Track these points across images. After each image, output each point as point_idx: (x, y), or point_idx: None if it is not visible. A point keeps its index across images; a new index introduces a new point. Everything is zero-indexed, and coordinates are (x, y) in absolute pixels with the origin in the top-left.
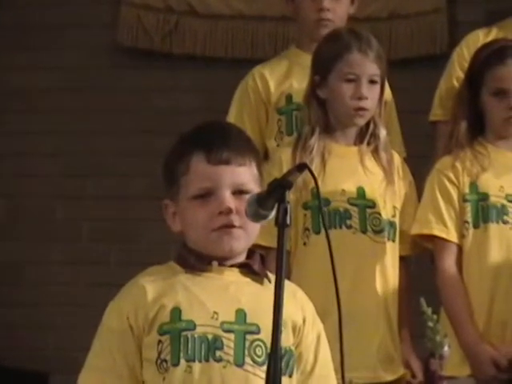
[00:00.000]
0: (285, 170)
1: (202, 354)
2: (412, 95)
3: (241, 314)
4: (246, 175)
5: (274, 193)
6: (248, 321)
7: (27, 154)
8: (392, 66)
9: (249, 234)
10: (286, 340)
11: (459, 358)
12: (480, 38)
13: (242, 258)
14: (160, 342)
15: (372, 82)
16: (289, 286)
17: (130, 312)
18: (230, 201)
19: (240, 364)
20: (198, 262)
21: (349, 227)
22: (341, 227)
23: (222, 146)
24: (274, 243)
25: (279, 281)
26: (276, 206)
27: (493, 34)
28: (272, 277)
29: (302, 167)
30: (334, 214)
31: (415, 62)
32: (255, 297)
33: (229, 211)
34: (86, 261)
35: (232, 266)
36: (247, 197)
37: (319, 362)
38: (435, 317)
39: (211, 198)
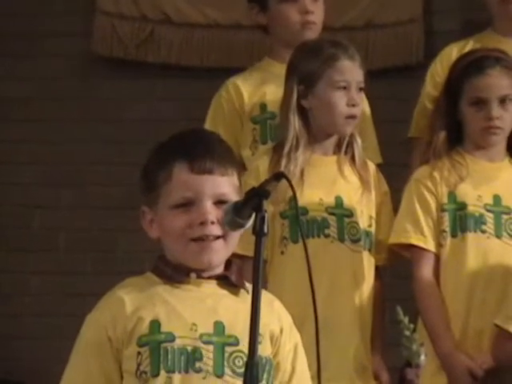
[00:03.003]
0: (262, 179)
1: (182, 365)
2: (388, 104)
3: (219, 326)
4: (227, 185)
5: (251, 201)
6: (226, 333)
7: (3, 163)
8: (368, 75)
9: (228, 244)
10: (265, 350)
11: (436, 367)
12: (454, 52)
13: (220, 269)
14: (139, 353)
15: (360, 89)
16: (266, 296)
17: (108, 324)
18: (211, 211)
19: (220, 375)
20: (175, 273)
21: (327, 236)
22: (319, 236)
23: (206, 156)
24: (250, 251)
25: (256, 289)
26: (253, 214)
27: (469, 46)
28: (250, 287)
29: (279, 176)
30: (311, 223)
31: (391, 71)
32: (233, 309)
33: (210, 222)
34: (62, 271)
35: (210, 277)
36: None
37: (297, 373)
38: (412, 326)
39: (192, 208)
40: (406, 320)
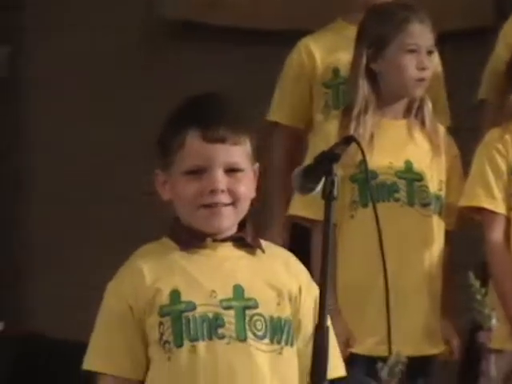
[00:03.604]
0: (331, 142)
1: (205, 332)
2: (458, 68)
3: (238, 290)
4: (239, 154)
5: (321, 165)
6: (246, 296)
7: (77, 120)
8: (439, 38)
9: (238, 210)
10: (284, 311)
11: (506, 332)
12: None
13: (233, 231)
14: (161, 323)
15: (429, 52)
16: (282, 254)
17: (129, 295)
18: (221, 180)
19: (243, 339)
20: (191, 238)
21: (396, 200)
22: (388, 200)
23: (218, 124)
24: (319, 216)
25: (326, 253)
26: (323, 178)
27: None
28: (266, 246)
29: (349, 140)
30: (381, 187)
31: (462, 34)
32: (250, 270)
33: (220, 190)
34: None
35: (225, 239)
36: (239, 175)
37: None
38: (483, 290)
39: (203, 176)
40: (477, 284)
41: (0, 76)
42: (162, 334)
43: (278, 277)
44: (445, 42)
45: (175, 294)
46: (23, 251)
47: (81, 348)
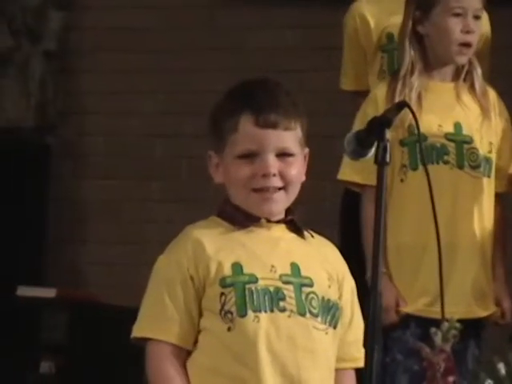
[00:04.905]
0: (380, 106)
1: (267, 304)
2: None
3: (295, 267)
4: (290, 139)
5: (374, 131)
6: (302, 274)
7: (126, 92)
8: (489, 2)
9: (289, 195)
10: (334, 293)
11: None
12: None
13: (281, 215)
14: (223, 294)
15: (476, 17)
16: (328, 243)
17: (190, 264)
18: (273, 164)
19: (303, 313)
20: (245, 218)
21: (446, 163)
22: (438, 163)
23: (271, 110)
24: (370, 180)
25: (379, 218)
26: (375, 144)
27: None
28: (312, 232)
29: (401, 105)
30: (431, 149)
31: None
32: (304, 252)
33: (271, 174)
34: (184, 198)
35: (278, 221)
36: (290, 159)
37: (354, 317)
38: None
39: (256, 160)
40: None
41: (51, 48)
42: (223, 305)
43: (328, 261)
44: (496, 5)
45: (237, 266)
46: (76, 219)
47: (134, 314)
